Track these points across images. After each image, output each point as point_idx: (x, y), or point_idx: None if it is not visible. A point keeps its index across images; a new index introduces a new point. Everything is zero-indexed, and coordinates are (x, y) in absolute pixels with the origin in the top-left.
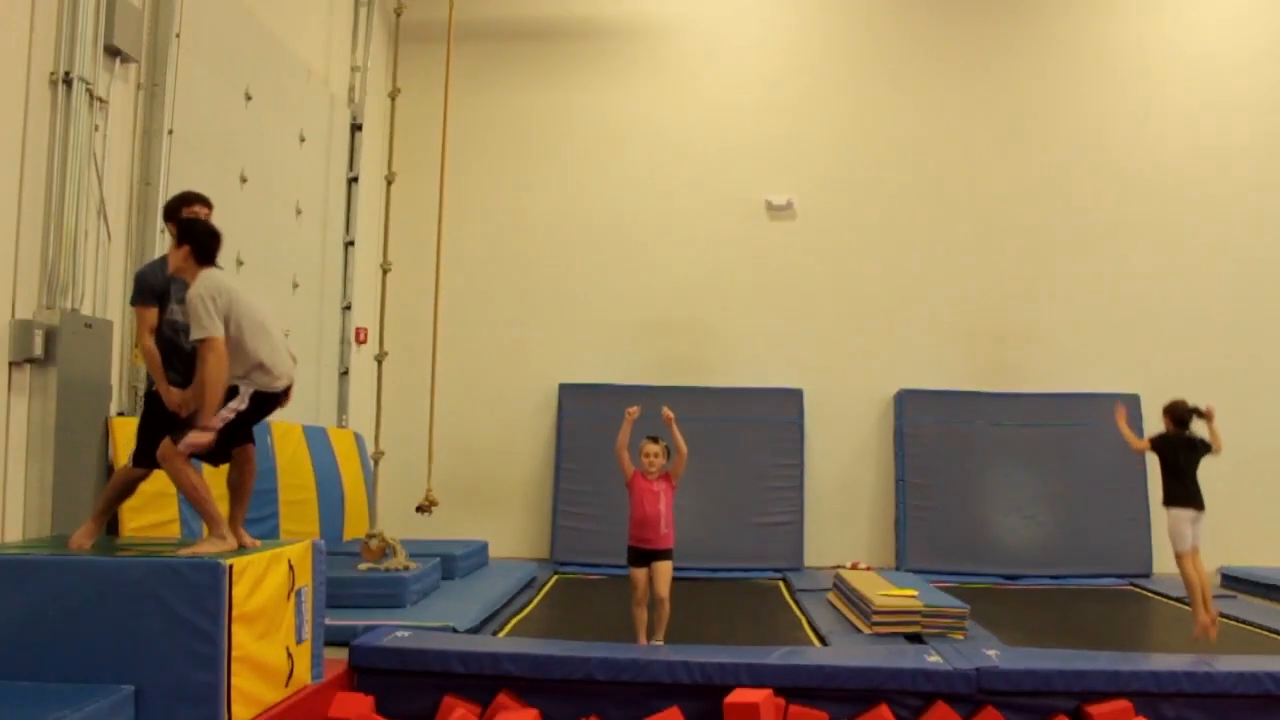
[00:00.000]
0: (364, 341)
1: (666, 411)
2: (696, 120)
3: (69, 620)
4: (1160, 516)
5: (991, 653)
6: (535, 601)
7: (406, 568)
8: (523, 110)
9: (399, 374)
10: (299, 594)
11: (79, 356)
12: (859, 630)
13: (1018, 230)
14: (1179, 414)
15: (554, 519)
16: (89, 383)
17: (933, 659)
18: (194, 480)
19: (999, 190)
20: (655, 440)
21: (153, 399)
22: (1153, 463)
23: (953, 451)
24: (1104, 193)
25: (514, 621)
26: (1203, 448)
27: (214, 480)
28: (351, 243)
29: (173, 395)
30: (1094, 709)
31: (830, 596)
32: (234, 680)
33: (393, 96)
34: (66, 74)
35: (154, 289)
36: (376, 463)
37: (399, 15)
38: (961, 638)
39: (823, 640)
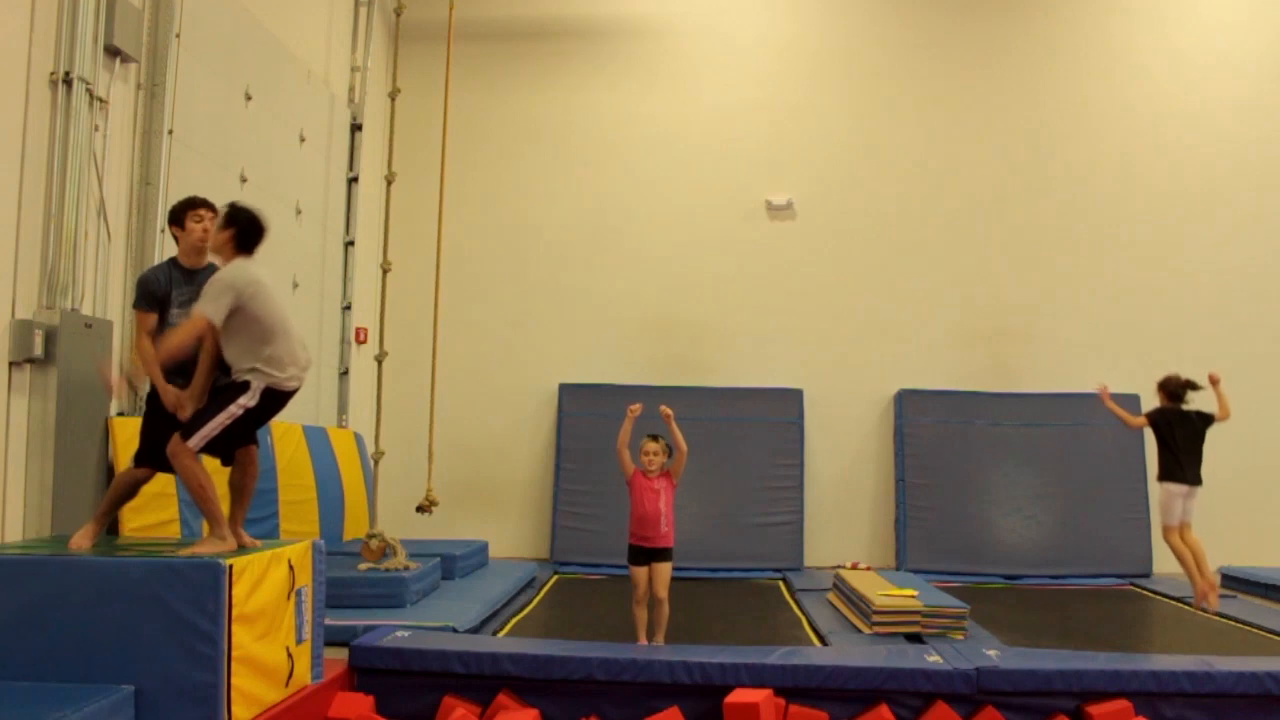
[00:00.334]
0: (364, 341)
1: (665, 409)
2: (696, 120)
3: (69, 620)
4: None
5: (991, 653)
6: (535, 601)
7: (406, 568)
8: (522, 110)
9: (399, 374)
10: (299, 594)
11: (79, 356)
12: (859, 630)
13: (1018, 230)
14: (1173, 388)
15: (554, 519)
16: (89, 383)
17: (933, 659)
18: (202, 479)
19: (999, 190)
20: (656, 438)
21: (154, 400)
22: (1152, 463)
23: (953, 451)
24: (1104, 193)
25: (514, 621)
26: (1201, 420)
27: (215, 480)
28: (351, 243)
29: (169, 395)
30: (1094, 709)
31: (830, 596)
32: (234, 680)
33: (393, 96)
34: (66, 74)
35: (156, 294)
36: (376, 463)
37: (399, 15)
38: (961, 638)
39: (823, 640)
